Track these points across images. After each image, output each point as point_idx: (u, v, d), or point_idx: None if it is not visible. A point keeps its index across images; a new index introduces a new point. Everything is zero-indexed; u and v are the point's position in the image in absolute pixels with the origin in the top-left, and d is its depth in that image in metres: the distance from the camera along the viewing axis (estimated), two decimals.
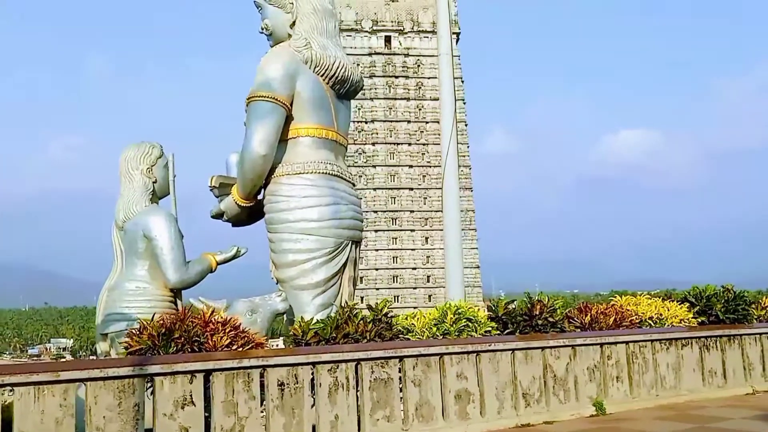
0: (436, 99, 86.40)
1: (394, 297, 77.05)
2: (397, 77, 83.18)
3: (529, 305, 8.31)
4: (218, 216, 9.24)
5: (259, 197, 9.02)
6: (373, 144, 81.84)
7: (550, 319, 8.26)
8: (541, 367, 7.85)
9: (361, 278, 79.53)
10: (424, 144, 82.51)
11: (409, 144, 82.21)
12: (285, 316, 8.43)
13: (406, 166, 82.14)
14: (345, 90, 9.11)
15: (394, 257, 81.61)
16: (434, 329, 7.60)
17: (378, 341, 7.12)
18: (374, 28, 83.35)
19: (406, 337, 7.62)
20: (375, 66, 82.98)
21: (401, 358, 6.95)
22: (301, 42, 8.76)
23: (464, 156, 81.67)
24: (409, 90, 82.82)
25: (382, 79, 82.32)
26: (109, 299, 8.61)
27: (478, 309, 8.28)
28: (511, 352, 7.65)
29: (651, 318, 9.50)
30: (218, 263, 8.95)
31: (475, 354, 7.38)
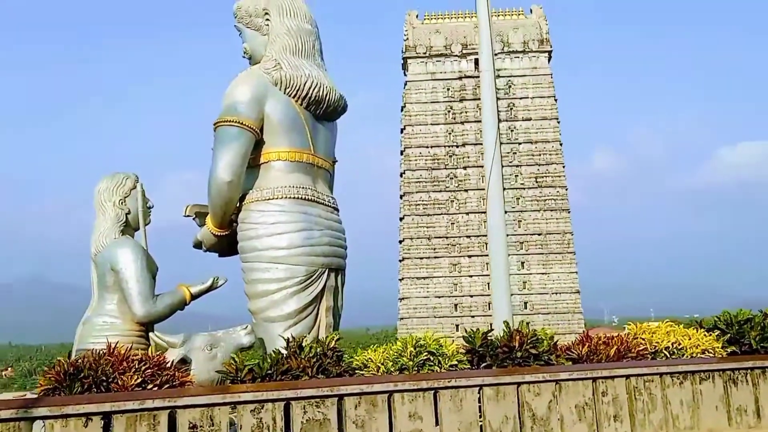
0: (529, 119, 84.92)
1: (489, 325, 74.57)
2: None
3: (507, 336, 7.51)
4: (198, 245, 8.97)
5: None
6: (465, 168, 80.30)
7: (533, 351, 7.42)
8: (515, 405, 7.01)
9: (456, 305, 78.07)
10: (517, 165, 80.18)
11: (502, 166, 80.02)
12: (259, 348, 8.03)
13: None
14: (322, 111, 8.64)
15: (488, 283, 78.66)
16: (390, 364, 6.94)
17: (321, 378, 6.55)
18: (464, 51, 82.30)
19: (361, 373, 7.00)
20: (465, 89, 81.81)
21: (340, 397, 6.35)
22: (271, 63, 8.42)
23: (560, 176, 79.18)
24: (500, 111, 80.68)
25: (473, 102, 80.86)
26: (81, 334, 8.45)
27: (452, 342, 7.56)
28: (478, 388, 6.88)
29: (667, 348, 8.41)
30: (193, 295, 8.63)
31: (432, 391, 6.67)
